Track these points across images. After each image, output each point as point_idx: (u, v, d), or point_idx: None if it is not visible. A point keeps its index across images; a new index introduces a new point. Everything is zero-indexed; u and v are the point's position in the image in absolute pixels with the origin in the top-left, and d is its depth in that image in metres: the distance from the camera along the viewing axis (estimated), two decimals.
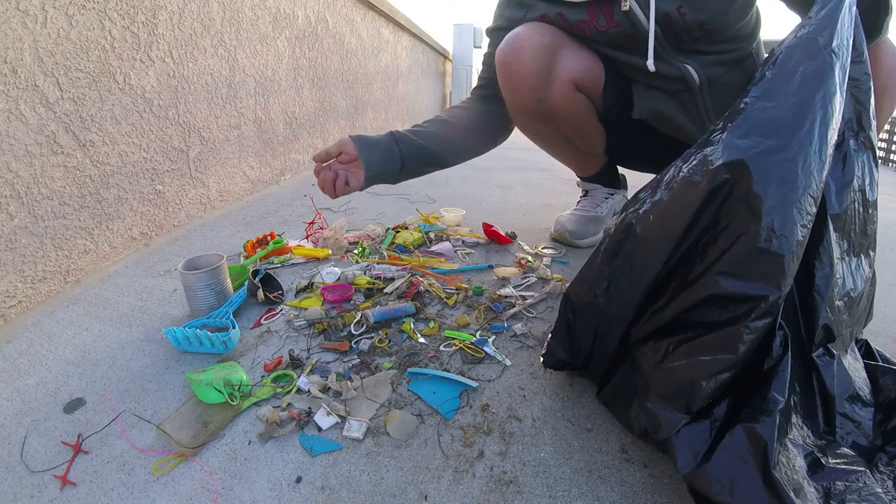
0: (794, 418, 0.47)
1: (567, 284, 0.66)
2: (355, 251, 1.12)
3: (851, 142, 0.58)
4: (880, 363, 0.60)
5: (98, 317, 0.86)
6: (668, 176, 0.58)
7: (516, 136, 1.23)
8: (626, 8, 0.86)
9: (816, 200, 0.49)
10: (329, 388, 0.66)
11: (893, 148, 3.75)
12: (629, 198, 1.19)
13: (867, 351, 0.64)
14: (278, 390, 0.66)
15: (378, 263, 1.04)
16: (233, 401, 0.62)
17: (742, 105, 0.55)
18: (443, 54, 5.88)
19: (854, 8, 0.59)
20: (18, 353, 0.75)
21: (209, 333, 0.72)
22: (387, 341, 0.77)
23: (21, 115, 0.84)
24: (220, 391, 0.61)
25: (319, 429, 0.59)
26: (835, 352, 0.53)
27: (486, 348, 0.75)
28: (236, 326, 0.76)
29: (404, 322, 0.82)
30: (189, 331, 0.73)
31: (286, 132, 1.94)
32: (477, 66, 6.62)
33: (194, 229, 1.32)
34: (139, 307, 0.89)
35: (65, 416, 0.62)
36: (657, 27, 0.86)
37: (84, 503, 0.50)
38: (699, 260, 0.51)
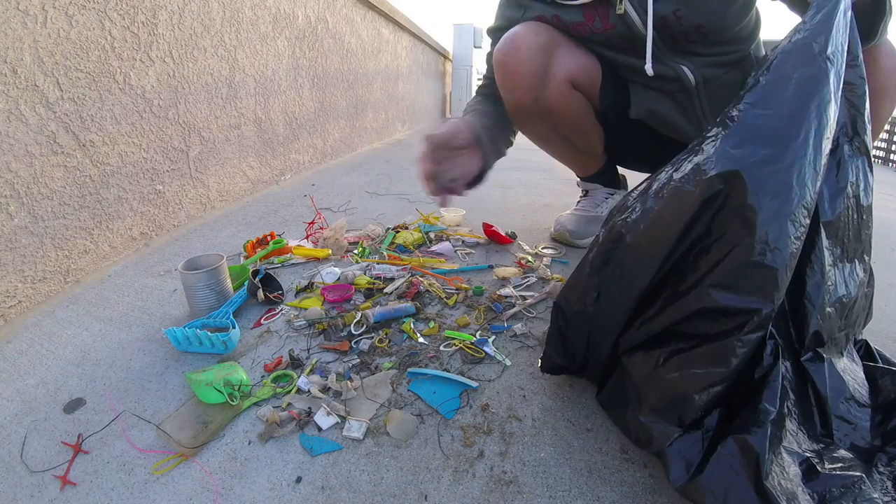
0: (788, 424, 0.47)
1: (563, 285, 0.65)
2: (355, 251, 1.12)
3: (846, 147, 0.57)
4: (880, 364, 0.60)
5: (98, 317, 0.86)
6: (657, 184, 0.57)
7: (516, 136, 1.23)
8: (622, 11, 0.86)
9: (810, 212, 0.49)
10: (329, 388, 0.66)
11: (893, 148, 3.75)
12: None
13: (867, 351, 0.64)
14: (278, 390, 0.66)
15: (378, 263, 1.04)
16: (233, 401, 0.62)
17: (735, 112, 0.54)
18: (443, 54, 5.88)
19: (849, 12, 0.58)
20: (18, 353, 0.75)
21: (209, 333, 0.72)
22: (387, 341, 0.77)
23: (21, 115, 0.84)
24: (220, 391, 0.61)
25: (319, 429, 0.59)
26: (825, 356, 0.53)
27: (486, 348, 0.75)
28: (236, 326, 0.76)
29: (404, 322, 0.82)
30: (189, 331, 0.73)
31: (286, 132, 1.94)
32: (477, 66, 6.62)
33: (194, 229, 1.32)
34: (139, 307, 0.89)
35: (65, 416, 0.62)
36: (653, 28, 0.86)
37: (84, 503, 0.50)
38: (691, 271, 0.51)
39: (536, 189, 1.91)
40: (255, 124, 1.70)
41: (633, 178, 1.37)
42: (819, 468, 0.44)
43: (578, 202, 1.32)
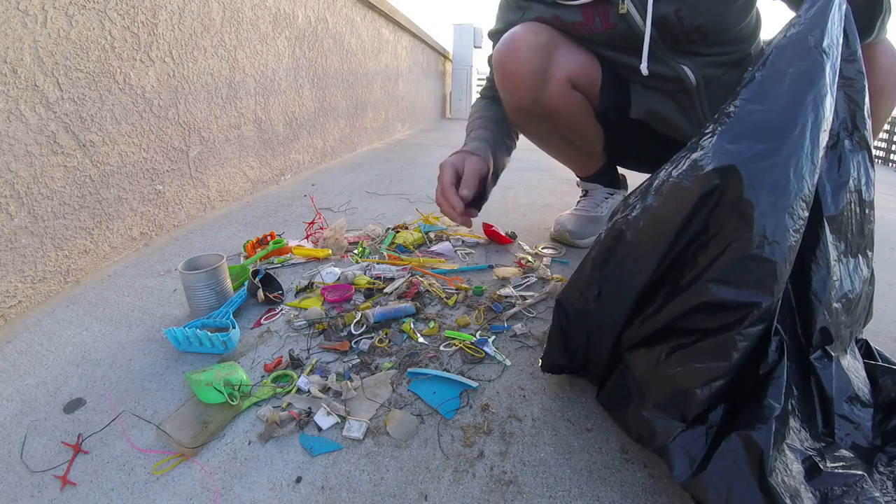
0: (791, 422, 0.47)
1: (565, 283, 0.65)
2: (355, 251, 1.12)
3: (846, 142, 0.57)
4: (880, 363, 0.60)
5: (98, 317, 0.86)
6: (657, 181, 0.57)
7: (518, 139, 1.23)
8: (624, 11, 0.86)
9: (808, 205, 0.49)
10: (329, 388, 0.66)
11: (893, 148, 3.75)
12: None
13: (867, 351, 0.64)
14: (278, 390, 0.66)
15: (378, 263, 1.04)
16: (233, 401, 0.62)
17: (732, 108, 0.54)
18: (443, 54, 5.88)
19: (844, 5, 0.58)
20: (18, 353, 0.75)
21: (209, 333, 0.72)
22: (387, 341, 0.77)
23: (21, 115, 0.84)
24: (220, 391, 0.61)
25: (319, 429, 0.59)
26: (833, 353, 0.53)
27: (486, 348, 0.75)
28: (236, 326, 0.76)
29: (404, 322, 0.82)
30: (189, 331, 0.73)
31: (286, 132, 1.95)
32: (477, 66, 6.61)
33: (194, 229, 1.32)
34: (139, 307, 0.89)
35: (65, 416, 0.62)
36: (653, 29, 0.86)
37: (84, 503, 0.50)
38: (690, 266, 0.51)
39: (536, 189, 1.91)
40: (255, 124, 1.70)
41: (633, 177, 1.37)
42: (821, 466, 0.44)
43: (578, 202, 1.32)
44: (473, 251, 1.18)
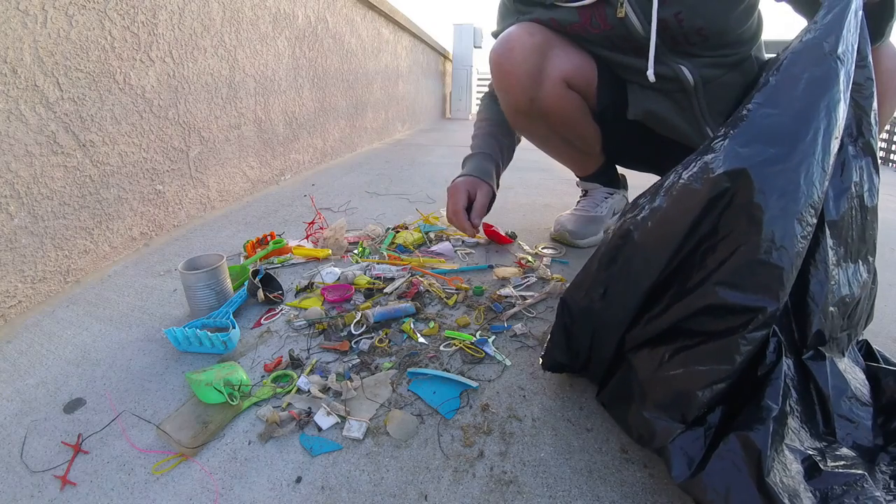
0: (791, 422, 0.47)
1: (567, 284, 0.65)
2: (355, 251, 1.12)
3: (850, 148, 0.57)
4: (882, 365, 0.60)
5: (98, 317, 0.86)
6: (667, 182, 0.57)
7: (520, 141, 1.24)
8: (622, 14, 0.86)
9: (817, 211, 0.49)
10: (329, 388, 0.66)
11: (894, 148, 3.75)
12: (629, 199, 1.19)
13: (868, 351, 0.64)
14: (278, 390, 0.66)
15: (378, 263, 1.04)
16: (233, 401, 0.62)
17: (745, 111, 0.54)
18: (443, 54, 5.88)
19: (860, 12, 0.58)
20: (18, 353, 0.75)
21: (209, 333, 0.72)
22: (387, 341, 0.77)
23: (21, 115, 0.84)
24: (220, 391, 0.61)
25: (319, 429, 0.59)
26: (827, 354, 0.53)
27: (486, 348, 0.75)
28: (236, 326, 0.76)
29: (404, 322, 0.82)
30: (189, 331, 0.73)
31: (286, 132, 1.95)
32: (477, 66, 6.61)
33: (194, 229, 1.32)
34: (139, 307, 0.89)
35: (65, 416, 0.62)
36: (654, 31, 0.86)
37: (84, 503, 0.50)
38: (697, 268, 0.51)
39: (536, 189, 1.91)
40: (255, 124, 1.70)
41: (633, 177, 1.37)
42: (821, 466, 0.44)
43: (578, 202, 1.32)
44: (473, 251, 1.18)
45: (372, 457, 0.56)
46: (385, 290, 0.93)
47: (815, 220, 0.48)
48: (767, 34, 0.97)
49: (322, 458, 0.55)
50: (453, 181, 1.08)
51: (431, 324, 0.83)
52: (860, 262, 0.58)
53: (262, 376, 0.69)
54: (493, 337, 0.79)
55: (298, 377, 0.68)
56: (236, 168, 1.60)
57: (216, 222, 1.38)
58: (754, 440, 0.43)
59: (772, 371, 0.48)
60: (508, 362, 0.73)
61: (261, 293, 0.88)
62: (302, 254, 1.11)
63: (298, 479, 0.53)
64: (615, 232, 0.59)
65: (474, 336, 0.79)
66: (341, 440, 0.58)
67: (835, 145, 0.51)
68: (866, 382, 0.56)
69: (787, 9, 0.87)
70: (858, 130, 0.58)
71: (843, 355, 0.57)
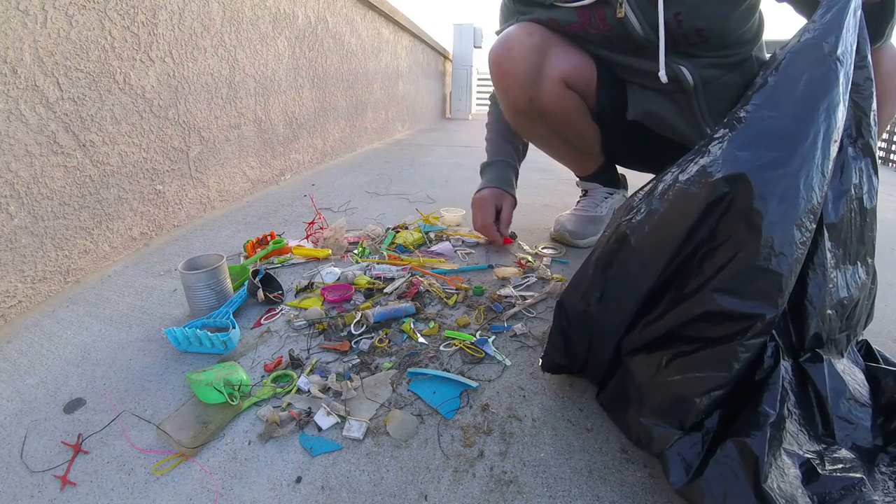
0: (789, 426, 0.47)
1: (567, 284, 0.65)
2: (355, 251, 1.12)
3: (850, 149, 0.57)
4: (882, 365, 0.60)
5: (98, 317, 0.86)
6: (663, 185, 0.56)
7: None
8: (622, 15, 0.86)
9: (816, 217, 0.48)
10: (329, 388, 0.66)
11: (894, 148, 3.75)
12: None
13: (867, 352, 0.64)
14: (278, 390, 0.66)
15: (378, 263, 1.04)
16: (233, 401, 0.62)
17: (743, 113, 0.53)
18: (443, 54, 5.88)
19: (859, 12, 0.58)
20: (18, 353, 0.75)
21: (209, 333, 0.72)
22: (387, 341, 0.77)
23: (21, 115, 0.84)
24: (220, 391, 0.61)
25: (319, 429, 0.59)
26: (824, 356, 0.53)
27: (486, 348, 0.75)
28: (236, 326, 0.76)
29: (404, 322, 0.82)
30: (189, 331, 0.73)
31: (286, 132, 1.95)
32: (477, 66, 6.61)
33: (194, 229, 1.32)
34: (139, 307, 0.89)
35: (65, 416, 0.62)
36: (652, 32, 0.86)
37: (84, 503, 0.50)
38: (695, 274, 0.50)
39: (536, 189, 1.91)
40: (255, 124, 1.70)
41: (633, 177, 1.37)
42: (819, 470, 0.44)
43: (578, 202, 1.32)
44: (473, 251, 1.18)
45: (372, 457, 0.56)
46: (385, 290, 0.93)
47: (813, 226, 0.48)
48: (768, 34, 0.97)
49: (322, 458, 0.55)
50: (479, 192, 1.14)
51: (431, 324, 0.83)
52: (859, 264, 0.58)
53: (262, 376, 0.69)
54: (493, 337, 0.79)
55: (298, 377, 0.68)
56: (236, 168, 1.60)
57: (216, 222, 1.38)
58: (751, 446, 0.43)
59: (769, 376, 0.48)
60: (508, 362, 0.73)
61: (261, 293, 0.88)
62: (302, 254, 1.11)
63: (298, 479, 0.53)
64: (610, 235, 0.59)
65: (474, 336, 0.79)
66: (341, 440, 0.58)
67: (834, 148, 0.50)
68: (865, 383, 0.56)
69: (789, 9, 0.87)
70: (858, 132, 0.58)
71: (842, 356, 0.57)
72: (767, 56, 0.99)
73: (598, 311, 0.58)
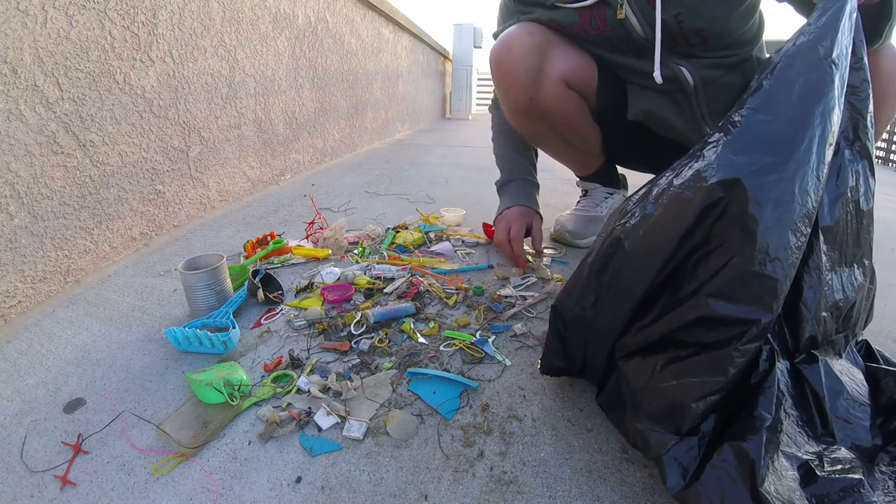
0: (787, 428, 0.47)
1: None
2: (355, 251, 1.12)
3: (846, 152, 0.57)
4: (882, 365, 0.60)
5: (98, 317, 0.86)
6: (657, 189, 0.56)
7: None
8: (622, 16, 0.86)
9: (811, 221, 0.48)
10: (329, 388, 0.66)
11: (893, 148, 3.75)
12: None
13: (867, 352, 0.64)
14: (278, 390, 0.66)
15: (378, 263, 1.04)
16: (233, 401, 0.62)
17: (738, 117, 0.53)
18: (443, 54, 5.88)
19: (855, 14, 0.58)
20: (18, 353, 0.75)
21: (209, 333, 0.72)
22: (387, 341, 0.77)
23: (21, 115, 0.84)
24: (220, 391, 0.61)
25: (319, 429, 0.59)
26: (820, 357, 0.53)
27: (486, 348, 0.75)
28: (236, 326, 0.76)
29: (404, 322, 0.82)
30: (189, 331, 0.73)
31: (286, 132, 1.95)
32: (477, 66, 6.61)
33: (194, 229, 1.32)
34: (139, 307, 0.89)
35: (65, 416, 0.62)
36: (653, 33, 0.86)
37: (84, 503, 0.50)
38: (689, 279, 0.50)
39: None
40: (255, 124, 1.70)
41: (633, 177, 1.37)
42: (818, 472, 0.44)
43: (578, 202, 1.32)
44: (473, 251, 1.19)
45: (372, 457, 0.56)
46: (385, 290, 0.93)
47: (808, 231, 0.48)
48: (768, 34, 0.97)
49: (322, 458, 0.55)
50: (509, 208, 1.11)
51: (431, 324, 0.83)
52: (855, 266, 0.58)
53: (262, 376, 0.69)
54: (493, 337, 0.79)
55: (298, 377, 0.68)
56: (236, 168, 1.60)
57: (216, 222, 1.38)
58: (748, 450, 0.43)
59: (765, 379, 0.48)
60: (508, 362, 0.73)
61: (261, 293, 0.88)
62: (302, 254, 1.11)
63: (298, 479, 0.53)
64: (605, 239, 0.58)
65: (474, 336, 0.79)
66: (341, 440, 0.58)
67: (829, 152, 0.50)
68: (864, 383, 0.56)
69: (789, 9, 0.87)
70: (854, 134, 0.58)
71: (840, 357, 0.57)
72: (767, 56, 0.99)
73: (592, 316, 0.58)
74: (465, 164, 2.41)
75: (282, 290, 0.93)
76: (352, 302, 0.91)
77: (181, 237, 1.25)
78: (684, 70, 0.91)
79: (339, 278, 0.98)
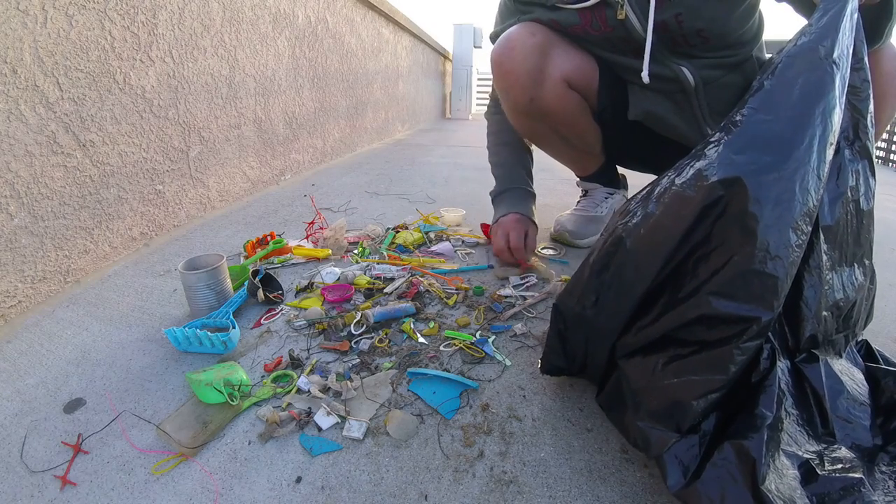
0: (787, 426, 0.47)
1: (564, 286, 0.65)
2: (355, 251, 1.12)
3: (847, 152, 0.57)
4: (882, 365, 0.60)
5: (98, 317, 0.86)
6: (659, 188, 0.56)
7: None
8: (623, 16, 0.86)
9: (812, 219, 0.48)
10: (329, 388, 0.66)
11: (893, 148, 3.75)
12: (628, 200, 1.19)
13: (867, 352, 0.64)
14: (278, 390, 0.66)
15: (378, 263, 1.04)
16: (233, 401, 0.62)
17: (739, 117, 0.53)
18: (443, 54, 5.88)
19: (856, 14, 0.58)
20: (18, 353, 0.75)
21: (209, 333, 0.72)
22: (387, 341, 0.77)
23: (21, 115, 0.84)
24: (220, 391, 0.61)
25: (319, 429, 0.59)
26: (821, 356, 0.53)
27: (486, 348, 0.75)
28: (236, 326, 0.76)
29: (404, 322, 0.82)
30: (189, 331, 0.73)
31: (286, 132, 1.95)
32: (477, 66, 6.61)
33: (194, 229, 1.32)
34: (139, 307, 0.89)
35: (65, 416, 0.62)
36: (653, 33, 0.86)
37: (84, 503, 0.50)
38: (690, 277, 0.50)
39: (536, 189, 1.91)
40: (255, 124, 1.70)
41: (633, 177, 1.37)
42: (818, 470, 0.44)
43: (578, 202, 1.32)
44: (473, 251, 1.18)
45: (372, 457, 0.56)
46: (385, 290, 0.93)
47: (809, 229, 0.48)
48: (768, 34, 0.97)
49: (322, 458, 0.55)
50: (505, 216, 1.11)
51: (431, 324, 0.83)
52: (855, 266, 0.58)
53: (262, 376, 0.69)
54: (493, 337, 0.79)
55: (298, 377, 0.68)
56: (236, 168, 1.60)
57: (216, 222, 1.38)
58: (749, 448, 0.43)
59: (766, 378, 0.48)
60: (508, 362, 0.73)
61: (261, 293, 0.88)
62: (302, 254, 1.11)
63: (298, 479, 0.53)
64: (607, 238, 0.59)
65: (474, 336, 0.79)
66: (341, 440, 0.58)
67: (830, 151, 0.50)
68: (864, 383, 0.56)
69: (789, 9, 0.87)
70: (855, 134, 0.58)
71: (840, 356, 0.57)
72: (767, 56, 0.99)
73: (593, 315, 0.58)
74: (465, 164, 2.41)
75: (282, 290, 0.93)
76: (352, 302, 0.91)
77: (181, 237, 1.25)
78: (685, 70, 0.91)
79: (339, 278, 0.98)
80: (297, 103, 2.02)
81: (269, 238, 1.15)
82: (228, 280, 0.88)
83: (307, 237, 1.23)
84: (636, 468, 0.55)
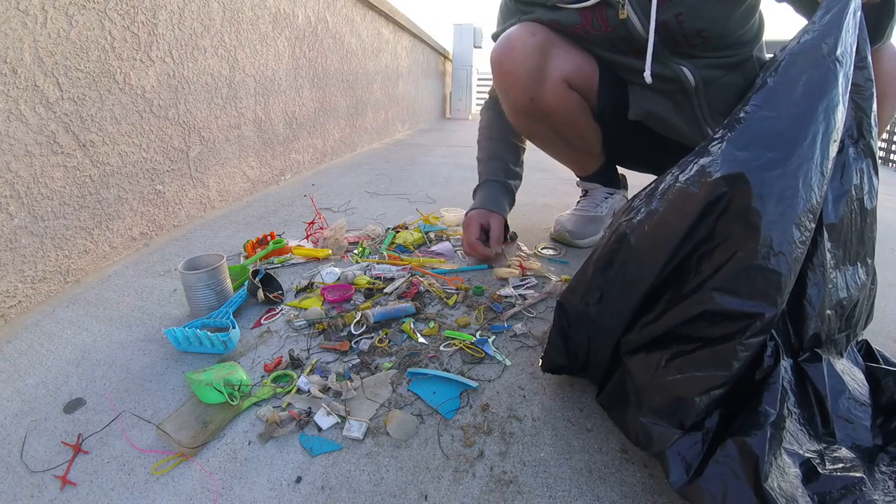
0: (789, 425, 0.47)
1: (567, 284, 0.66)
2: (355, 251, 1.12)
3: (851, 150, 0.57)
4: (882, 365, 0.60)
5: (98, 317, 0.86)
6: (663, 185, 0.56)
7: (525, 150, 1.24)
8: (624, 16, 0.86)
9: (815, 216, 0.48)
10: (329, 388, 0.66)
11: (894, 148, 3.75)
12: (629, 199, 1.20)
13: (867, 352, 0.64)
14: (278, 390, 0.66)
15: (378, 263, 1.04)
16: (233, 401, 0.62)
17: (742, 114, 0.53)
18: (443, 54, 5.88)
19: (859, 12, 0.58)
20: (18, 353, 0.75)
21: (209, 333, 0.72)
22: (387, 341, 0.77)
23: (21, 115, 0.84)
24: (220, 391, 0.61)
25: (319, 429, 0.59)
26: (824, 356, 0.53)
27: (486, 348, 0.75)
28: (236, 326, 0.76)
29: (404, 322, 0.82)
30: (189, 331, 0.73)
31: (286, 132, 1.95)
32: (477, 66, 6.61)
33: (194, 229, 1.32)
34: (139, 307, 0.89)
35: (65, 416, 0.62)
36: (654, 33, 0.86)
37: (84, 503, 0.50)
38: (693, 273, 0.50)
39: (536, 189, 1.91)
40: (255, 124, 1.70)
41: (633, 177, 1.37)
42: (820, 469, 0.44)
43: (578, 202, 1.32)
44: None
45: (372, 457, 0.56)
46: (385, 290, 0.93)
47: (813, 225, 0.48)
48: (768, 34, 0.97)
49: (322, 458, 0.55)
50: (467, 213, 1.12)
51: (431, 324, 0.83)
52: (859, 265, 0.58)
53: (262, 376, 0.69)
54: (493, 337, 0.79)
55: (298, 377, 0.68)
56: (236, 168, 1.60)
57: (216, 222, 1.38)
58: (752, 446, 0.43)
59: (769, 375, 0.48)
60: (508, 362, 0.73)
61: (261, 293, 0.88)
62: (302, 254, 1.11)
63: (298, 479, 0.53)
64: (610, 235, 0.59)
65: (474, 336, 0.79)
66: (341, 440, 0.58)
67: (833, 149, 0.50)
68: (865, 383, 0.56)
69: (789, 9, 0.87)
70: (859, 132, 0.58)
71: (842, 356, 0.57)
72: (768, 56, 0.99)
73: (597, 312, 0.58)
74: (465, 164, 2.41)
75: (282, 290, 0.93)
76: (352, 302, 0.91)
77: (181, 237, 1.25)
78: (685, 70, 0.91)
79: (339, 278, 0.98)
80: (297, 103, 2.02)
81: (269, 238, 1.15)
82: (228, 280, 0.88)
83: (307, 237, 1.23)
84: (636, 468, 0.55)
